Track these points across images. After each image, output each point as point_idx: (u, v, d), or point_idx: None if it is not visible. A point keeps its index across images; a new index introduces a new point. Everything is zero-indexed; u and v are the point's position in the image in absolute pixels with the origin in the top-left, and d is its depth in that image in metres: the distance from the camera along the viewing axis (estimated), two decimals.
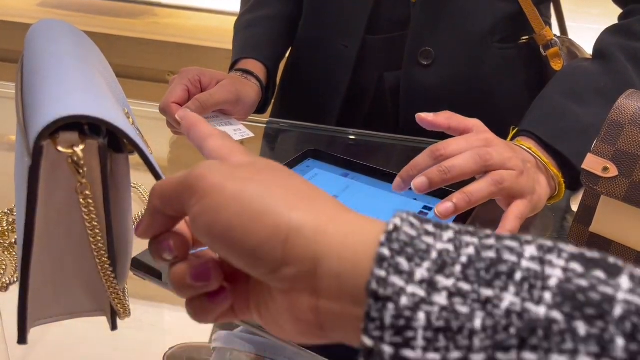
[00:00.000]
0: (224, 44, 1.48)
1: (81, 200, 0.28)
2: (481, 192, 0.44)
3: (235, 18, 0.80)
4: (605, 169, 0.44)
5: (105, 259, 0.30)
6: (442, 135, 0.56)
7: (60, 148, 0.27)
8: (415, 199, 0.54)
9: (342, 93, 0.73)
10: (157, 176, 0.30)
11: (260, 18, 0.75)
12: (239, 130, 0.64)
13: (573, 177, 0.52)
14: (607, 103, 0.53)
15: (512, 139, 0.55)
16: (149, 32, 1.54)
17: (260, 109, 0.74)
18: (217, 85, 0.64)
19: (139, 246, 0.44)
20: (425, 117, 0.50)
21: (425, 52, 0.67)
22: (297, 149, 0.63)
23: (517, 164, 0.46)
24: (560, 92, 0.57)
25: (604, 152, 0.44)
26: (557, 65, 0.65)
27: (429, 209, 0.52)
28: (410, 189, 0.46)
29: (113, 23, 1.60)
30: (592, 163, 0.45)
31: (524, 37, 0.68)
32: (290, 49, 0.81)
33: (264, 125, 0.76)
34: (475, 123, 0.50)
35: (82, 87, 0.31)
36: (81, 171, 0.28)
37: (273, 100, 0.82)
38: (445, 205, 0.44)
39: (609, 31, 0.61)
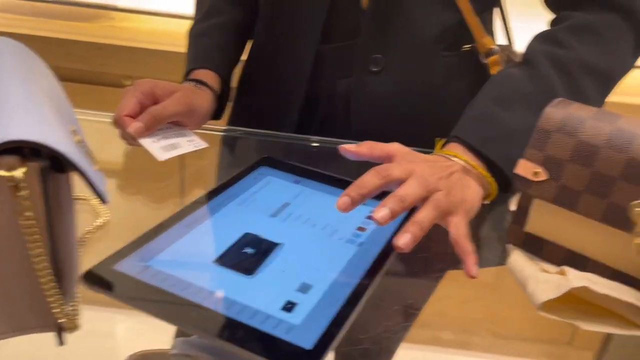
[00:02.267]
0: (180, 47, 1.47)
1: (23, 222, 0.29)
2: (428, 219, 0.47)
3: (191, 22, 0.81)
4: (536, 173, 0.47)
5: (51, 278, 0.31)
6: (393, 140, 0.58)
7: (0, 172, 0.28)
8: (365, 204, 0.56)
9: (299, 101, 0.75)
10: (100, 196, 0.31)
11: (212, 27, 0.77)
12: (192, 141, 0.64)
13: (503, 179, 0.55)
14: (531, 108, 0.56)
15: (442, 146, 0.58)
16: (105, 36, 1.52)
17: (215, 116, 0.75)
18: (169, 98, 0.65)
19: (90, 261, 0.45)
20: (348, 149, 0.53)
21: (376, 59, 0.69)
22: (255, 156, 0.65)
23: (443, 183, 0.49)
24: (488, 98, 0.60)
25: (535, 157, 0.47)
26: (497, 72, 0.68)
27: None
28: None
29: (68, 27, 1.58)
30: (524, 168, 0.47)
31: (466, 46, 0.70)
32: (247, 53, 0.82)
33: (221, 134, 0.77)
34: (396, 148, 0.53)
35: (23, 109, 0.31)
36: (22, 194, 0.28)
37: (230, 108, 0.83)
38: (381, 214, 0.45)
39: (537, 38, 0.64)
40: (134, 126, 0.60)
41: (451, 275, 0.51)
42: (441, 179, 0.50)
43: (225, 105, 0.77)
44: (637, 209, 0.42)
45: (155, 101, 0.64)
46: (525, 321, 0.47)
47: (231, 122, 0.85)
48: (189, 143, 0.63)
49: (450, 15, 0.68)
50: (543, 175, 0.46)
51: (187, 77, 0.73)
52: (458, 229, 0.48)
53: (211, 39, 0.76)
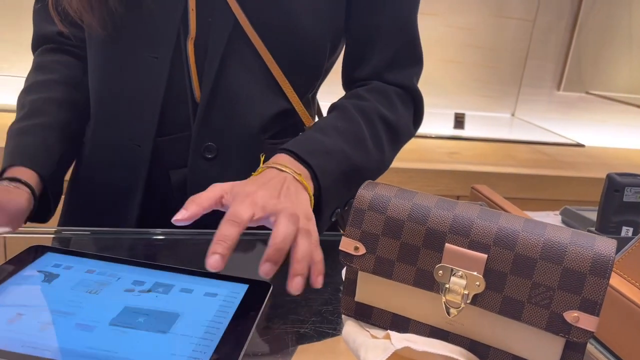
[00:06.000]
0: None
1: None
2: (309, 252, 0.53)
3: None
4: (356, 248, 0.52)
5: None
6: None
7: None
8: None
9: (140, 193, 0.74)
10: None
11: (35, 126, 0.73)
12: None
13: (318, 190, 0.64)
14: (343, 137, 0.69)
15: (264, 161, 0.65)
16: None
17: (41, 219, 0.71)
18: None
19: None
20: (181, 218, 0.54)
21: (209, 146, 0.73)
22: None
23: (289, 201, 0.56)
24: (310, 128, 0.71)
25: (353, 234, 0.52)
26: None
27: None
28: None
29: None
30: (346, 244, 0.52)
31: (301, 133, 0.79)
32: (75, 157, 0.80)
33: (52, 236, 0.73)
34: (218, 188, 0.57)
35: None
36: None
37: (61, 210, 0.79)
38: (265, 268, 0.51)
39: (343, 98, 0.78)
40: None
41: (303, 349, 0.54)
42: (283, 195, 0.56)
43: (53, 208, 0.73)
44: (440, 272, 0.49)
45: None
46: None
47: (63, 222, 0.81)
48: None
49: (279, 104, 0.75)
50: (362, 250, 0.52)
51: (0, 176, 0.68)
52: (312, 236, 0.54)
53: (32, 138, 0.72)
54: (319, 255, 0.54)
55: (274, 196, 0.56)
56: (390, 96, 0.77)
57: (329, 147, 0.67)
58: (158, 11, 0.69)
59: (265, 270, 0.49)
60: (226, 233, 0.50)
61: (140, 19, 0.70)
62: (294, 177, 0.60)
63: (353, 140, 0.70)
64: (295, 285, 0.50)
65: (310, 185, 0.62)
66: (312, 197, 0.61)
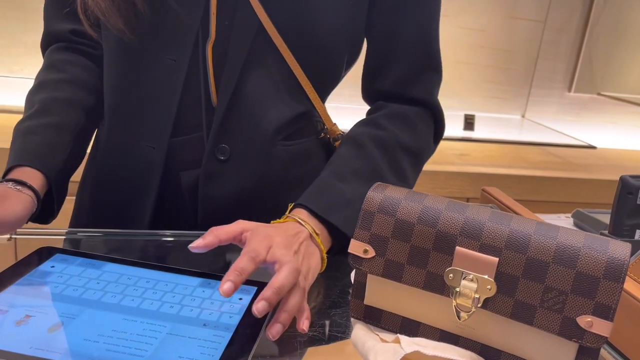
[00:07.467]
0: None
1: None
2: (298, 305, 0.55)
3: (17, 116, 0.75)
4: (365, 251, 0.52)
5: None
6: None
7: None
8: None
9: (153, 194, 0.74)
10: None
11: (42, 125, 0.71)
12: None
13: (344, 243, 0.62)
14: (361, 181, 0.68)
15: (290, 212, 0.65)
16: None
17: (43, 220, 0.70)
18: None
19: None
20: (197, 245, 0.55)
21: (222, 148, 0.73)
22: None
23: (300, 259, 0.58)
24: (327, 174, 0.70)
25: (363, 237, 0.52)
26: None
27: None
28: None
29: None
30: (355, 247, 0.52)
31: (322, 134, 0.81)
32: (86, 158, 0.80)
33: (63, 237, 0.73)
34: (242, 226, 0.59)
35: None
36: None
37: (72, 211, 0.79)
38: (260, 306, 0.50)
39: (360, 124, 0.77)
40: None
41: (312, 352, 0.54)
42: (297, 252, 0.58)
43: (56, 210, 0.71)
44: (450, 275, 0.48)
45: None
46: None
47: (74, 223, 0.81)
48: None
49: (300, 106, 0.75)
50: (371, 252, 0.51)
51: (4, 176, 0.65)
52: (304, 295, 0.56)
53: (41, 137, 0.70)
54: (306, 307, 0.56)
55: (288, 247, 0.57)
56: (411, 119, 0.76)
57: (349, 195, 0.67)
58: (180, 14, 0.69)
59: (260, 309, 0.50)
60: (243, 266, 0.52)
61: (162, 22, 0.70)
62: (311, 234, 0.62)
63: (373, 181, 0.69)
64: (274, 331, 0.52)
65: (325, 247, 0.63)
66: (325, 259, 0.63)
